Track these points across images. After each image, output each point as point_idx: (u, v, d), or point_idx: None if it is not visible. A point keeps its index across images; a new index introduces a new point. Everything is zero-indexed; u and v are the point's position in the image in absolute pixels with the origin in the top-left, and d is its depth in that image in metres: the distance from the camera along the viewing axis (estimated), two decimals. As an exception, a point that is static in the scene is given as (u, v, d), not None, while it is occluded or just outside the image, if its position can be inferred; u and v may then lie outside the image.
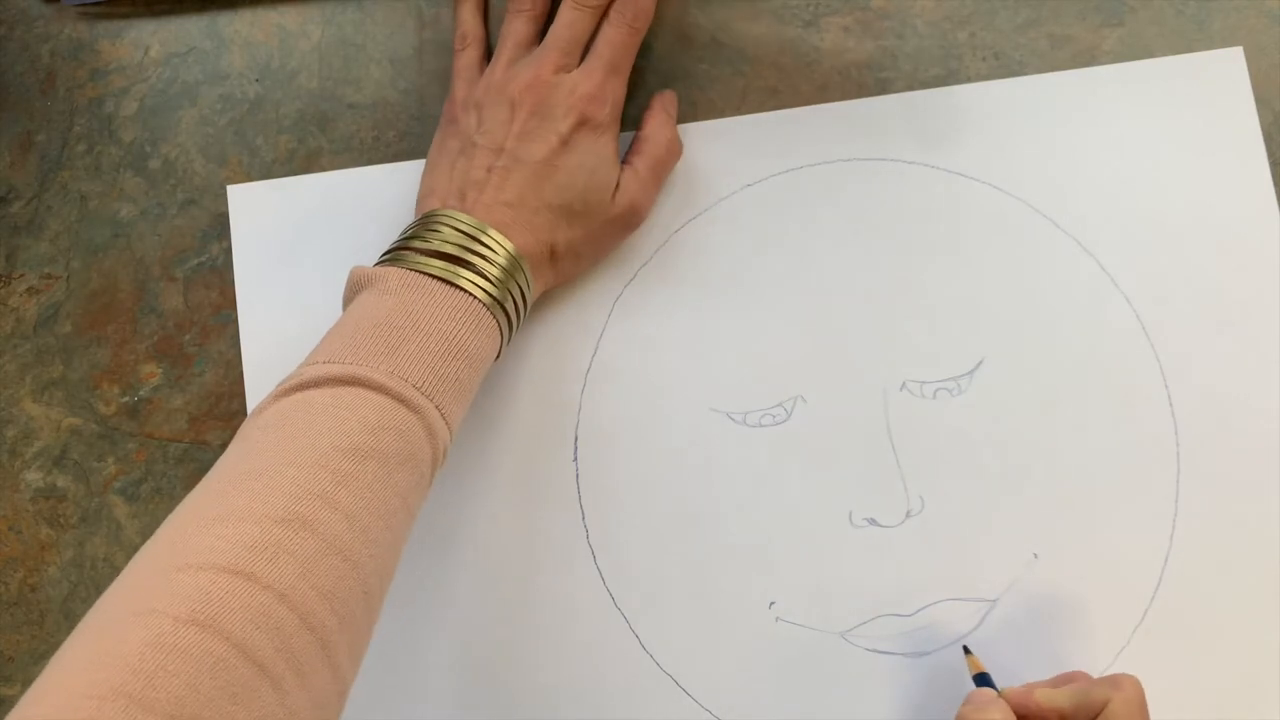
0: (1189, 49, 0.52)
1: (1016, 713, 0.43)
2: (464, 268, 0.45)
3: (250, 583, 0.35)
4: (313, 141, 0.54)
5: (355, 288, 0.46)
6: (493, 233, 0.46)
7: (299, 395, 0.41)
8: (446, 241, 0.46)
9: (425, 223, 0.47)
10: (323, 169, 0.54)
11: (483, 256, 0.46)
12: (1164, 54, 0.53)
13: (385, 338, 0.43)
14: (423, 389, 0.42)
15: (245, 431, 0.42)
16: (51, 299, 0.54)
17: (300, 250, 0.53)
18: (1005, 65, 0.53)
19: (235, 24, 0.55)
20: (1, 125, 0.55)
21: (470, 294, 0.45)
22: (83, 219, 0.54)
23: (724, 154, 0.53)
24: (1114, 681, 0.42)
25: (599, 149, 0.48)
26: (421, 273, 0.45)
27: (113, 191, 0.54)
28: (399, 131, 0.54)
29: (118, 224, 0.54)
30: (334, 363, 0.42)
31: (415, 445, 0.42)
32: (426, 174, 0.50)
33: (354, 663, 0.39)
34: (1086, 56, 0.53)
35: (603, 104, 0.48)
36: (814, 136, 0.53)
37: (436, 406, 0.43)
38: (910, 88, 0.53)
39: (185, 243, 0.54)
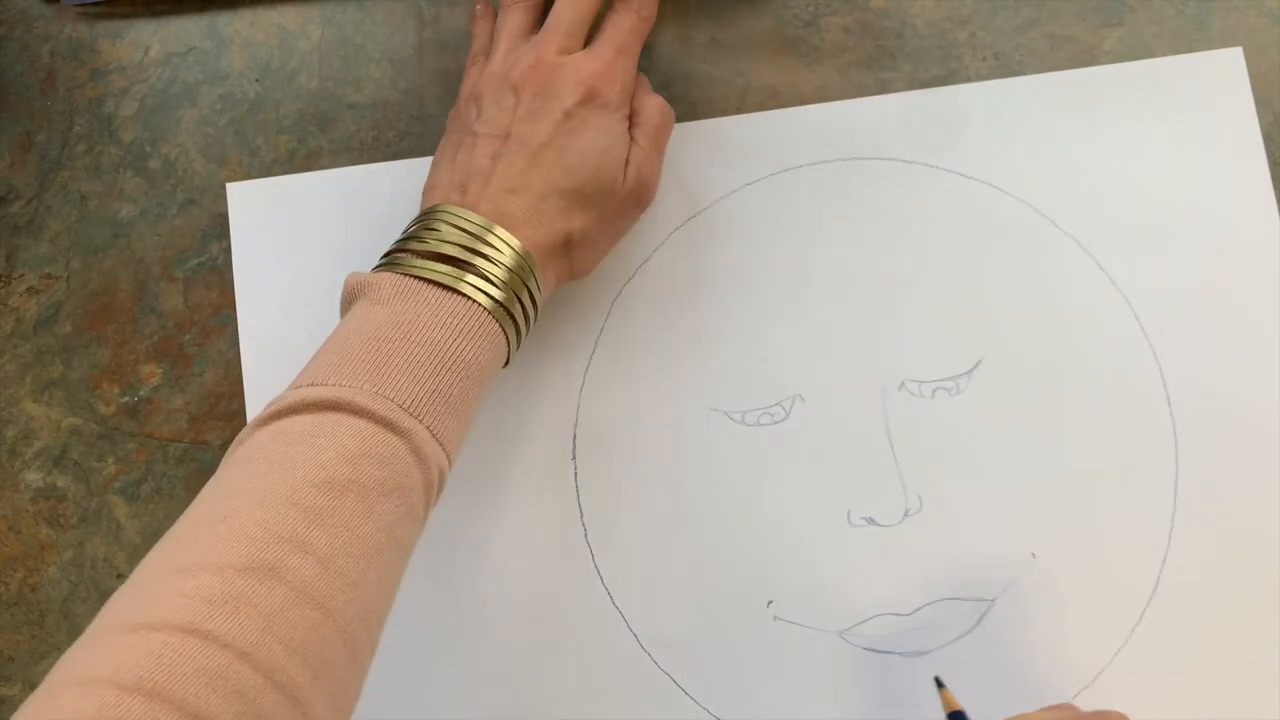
0: (1189, 49, 0.52)
1: None
2: (465, 270, 0.42)
3: (206, 642, 0.33)
4: (313, 141, 0.54)
5: (349, 297, 0.43)
6: (498, 230, 0.43)
7: (277, 424, 0.39)
8: (445, 241, 0.43)
9: (424, 220, 0.44)
10: (323, 169, 0.54)
11: (485, 256, 0.43)
12: (1164, 54, 0.52)
13: (372, 353, 0.40)
14: (410, 408, 0.40)
15: (221, 467, 0.39)
16: (51, 299, 0.54)
17: (300, 248, 0.53)
18: (1005, 65, 0.53)
19: (235, 24, 0.55)
20: (1, 125, 0.55)
21: (471, 299, 0.42)
22: (83, 219, 0.54)
23: (724, 154, 0.53)
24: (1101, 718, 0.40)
25: (610, 126, 0.46)
26: (416, 277, 0.42)
27: (113, 191, 0.54)
28: (399, 131, 0.54)
29: (118, 224, 0.54)
30: (318, 385, 0.39)
31: (402, 473, 0.39)
32: (430, 171, 0.48)
33: (338, 714, 0.36)
34: (1086, 56, 0.53)
35: (611, 81, 0.46)
36: (814, 136, 0.53)
37: (427, 426, 0.40)
38: (910, 88, 0.53)
39: (185, 243, 0.54)
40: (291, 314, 0.53)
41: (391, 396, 0.39)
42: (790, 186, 0.53)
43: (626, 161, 0.47)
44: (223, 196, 0.54)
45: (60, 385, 0.53)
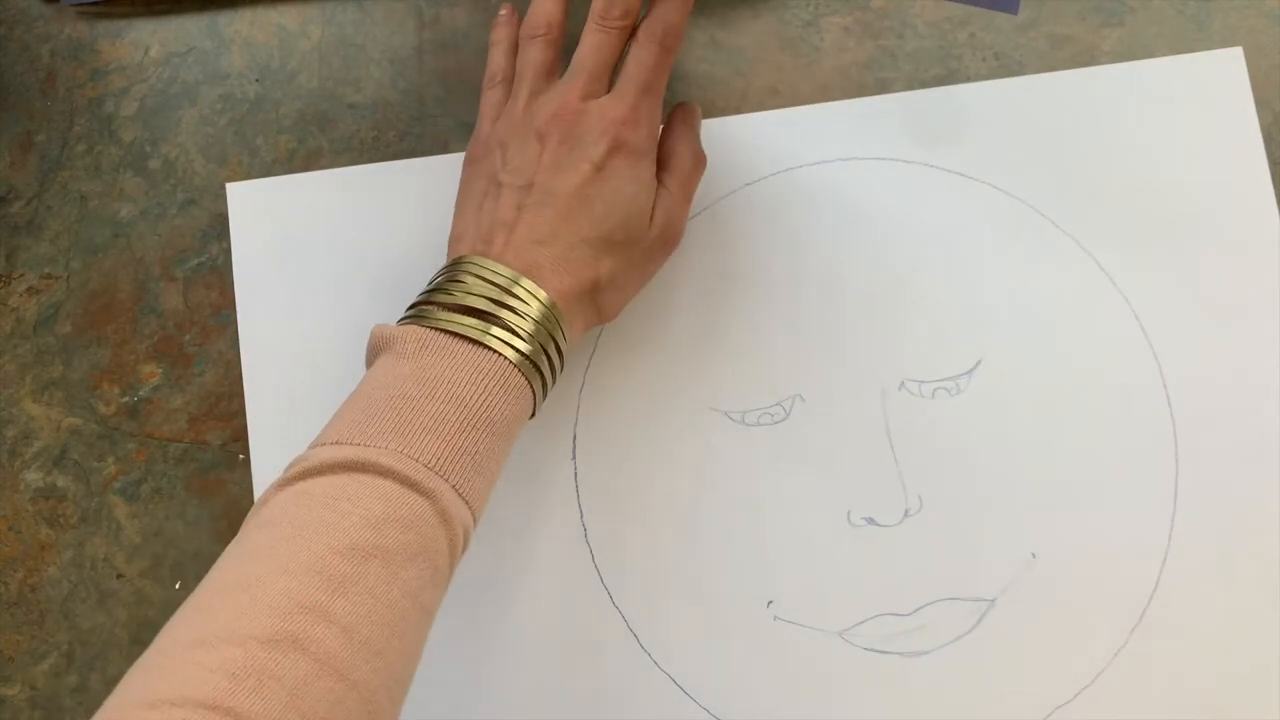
0: (1189, 49, 0.52)
1: None
2: (491, 323, 0.42)
3: (229, 719, 0.32)
4: (313, 141, 0.54)
5: (374, 351, 0.43)
6: (525, 283, 0.43)
7: (301, 485, 0.38)
8: (471, 294, 0.42)
9: (450, 272, 0.44)
10: (323, 169, 0.54)
11: (512, 309, 0.42)
12: (1164, 54, 0.52)
13: (397, 411, 0.39)
14: (436, 467, 0.39)
15: (244, 530, 0.38)
16: (51, 299, 0.54)
17: (300, 248, 0.53)
18: (1005, 65, 0.53)
19: (235, 24, 0.55)
20: (1, 125, 0.55)
21: (498, 353, 0.41)
22: (83, 219, 0.54)
23: (724, 154, 0.53)
24: None
25: (638, 174, 0.45)
26: (442, 331, 0.42)
27: (113, 191, 0.55)
28: (399, 131, 0.54)
29: (118, 224, 0.54)
30: (342, 444, 0.39)
31: (427, 536, 0.38)
32: (455, 218, 0.47)
33: None
34: (1086, 56, 0.53)
35: (637, 126, 0.45)
36: (814, 136, 0.53)
37: (453, 486, 0.39)
38: (910, 88, 0.53)
39: (185, 243, 0.54)
40: (291, 314, 0.53)
41: (417, 456, 0.39)
42: (790, 186, 0.53)
43: (654, 207, 0.46)
44: (223, 196, 0.54)
45: (60, 385, 0.53)
